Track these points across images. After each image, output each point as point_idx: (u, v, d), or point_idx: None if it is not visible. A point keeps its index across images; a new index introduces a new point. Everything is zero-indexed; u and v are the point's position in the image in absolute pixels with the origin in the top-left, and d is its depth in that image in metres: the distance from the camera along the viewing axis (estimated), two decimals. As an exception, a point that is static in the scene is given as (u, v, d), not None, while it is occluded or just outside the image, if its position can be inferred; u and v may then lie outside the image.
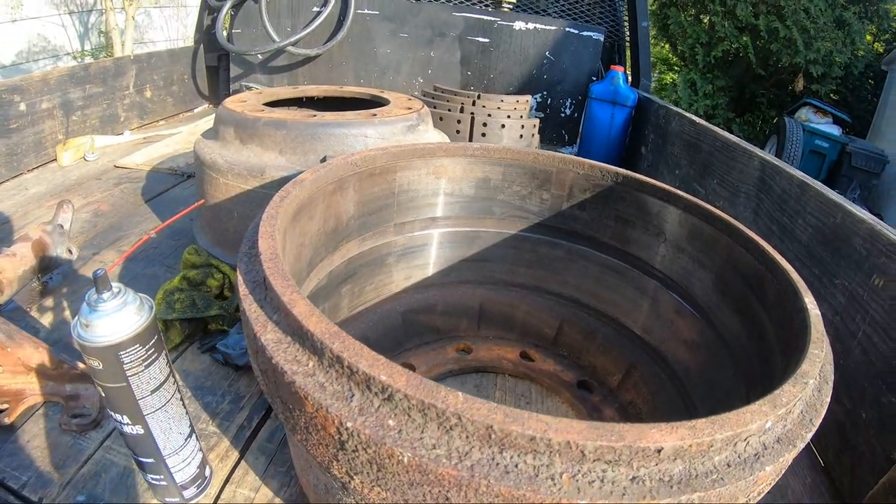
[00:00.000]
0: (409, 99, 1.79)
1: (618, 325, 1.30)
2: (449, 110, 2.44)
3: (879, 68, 12.02)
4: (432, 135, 1.65)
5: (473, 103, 2.46)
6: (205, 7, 3.76)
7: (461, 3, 3.59)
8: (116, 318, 0.72)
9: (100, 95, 2.82)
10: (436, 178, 1.30)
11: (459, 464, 0.49)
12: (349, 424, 0.52)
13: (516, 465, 0.49)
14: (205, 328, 1.30)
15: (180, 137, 2.88)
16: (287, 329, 0.62)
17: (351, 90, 1.97)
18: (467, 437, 0.50)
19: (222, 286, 1.35)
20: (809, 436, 0.60)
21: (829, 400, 0.65)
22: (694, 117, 2.33)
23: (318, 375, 0.57)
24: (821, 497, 1.09)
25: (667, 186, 1.19)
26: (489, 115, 2.39)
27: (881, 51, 12.17)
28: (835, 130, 9.96)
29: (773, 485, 0.60)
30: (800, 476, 1.14)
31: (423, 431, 0.51)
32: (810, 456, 1.19)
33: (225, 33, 3.34)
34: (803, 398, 0.62)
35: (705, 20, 11.11)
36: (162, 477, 0.86)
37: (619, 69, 3.11)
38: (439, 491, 0.51)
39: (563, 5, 3.71)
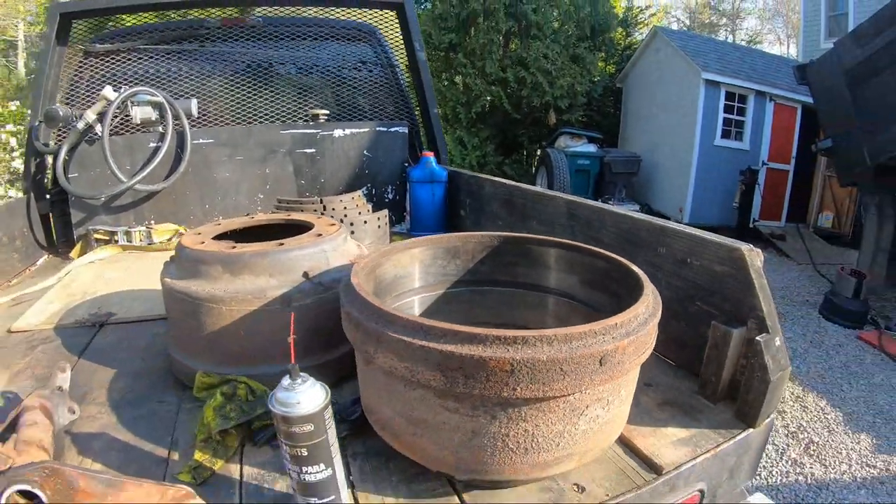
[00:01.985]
0: (319, 217, 2.20)
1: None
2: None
3: (615, 87, 14.28)
4: (350, 242, 2.10)
5: (324, 208, 2.98)
6: (31, 153, 3.77)
7: (286, 121, 4.09)
8: (313, 392, 1.15)
9: None
10: (410, 262, 1.91)
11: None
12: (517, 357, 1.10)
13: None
14: (248, 430, 1.58)
15: (57, 292, 2.84)
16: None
17: (266, 217, 2.33)
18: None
19: (247, 393, 1.64)
20: (656, 319, 1.31)
21: (661, 306, 1.38)
22: (504, 180, 3.09)
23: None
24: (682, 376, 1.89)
25: (536, 236, 1.92)
26: (345, 216, 2.90)
27: (613, 72, 14.40)
28: (591, 148, 11.78)
29: (650, 348, 1.30)
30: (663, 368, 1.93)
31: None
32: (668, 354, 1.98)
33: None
34: (648, 301, 1.33)
35: (458, 81, 12.44)
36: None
37: (429, 154, 3.84)
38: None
39: (367, 112, 4.36)
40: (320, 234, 1.94)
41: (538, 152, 13.45)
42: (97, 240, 3.60)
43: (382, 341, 1.23)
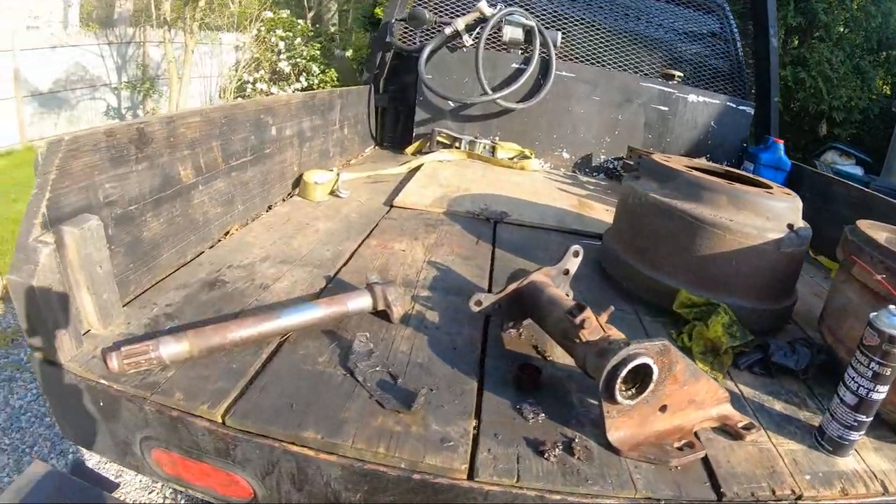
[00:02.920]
0: (778, 187, 2.12)
1: None
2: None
3: (890, 110, 12.85)
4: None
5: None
6: (378, 49, 4.06)
7: (638, 72, 4.09)
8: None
9: (319, 128, 2.91)
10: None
11: None
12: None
13: None
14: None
15: (422, 180, 3.05)
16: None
17: (705, 164, 2.34)
18: None
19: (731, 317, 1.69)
20: None
21: None
22: (855, 184, 2.89)
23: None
24: None
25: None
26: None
27: (888, 93, 12.95)
28: (858, 171, 10.72)
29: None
30: None
31: None
32: None
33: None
34: None
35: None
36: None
37: (780, 141, 3.70)
38: None
39: (708, 83, 4.26)
40: (789, 194, 1.95)
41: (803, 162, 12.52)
42: (439, 142, 3.84)
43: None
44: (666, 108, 3.87)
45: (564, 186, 3.41)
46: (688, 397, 1.30)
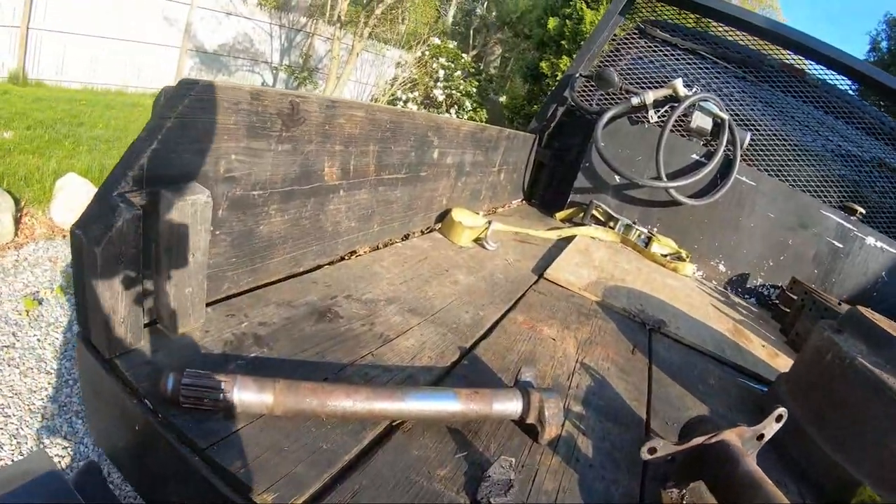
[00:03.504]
0: None
1: None
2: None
3: None
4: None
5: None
6: (553, 101, 3.81)
7: (816, 196, 3.63)
8: None
9: (479, 166, 2.68)
10: None
11: None
12: None
13: None
14: None
15: (577, 256, 2.74)
16: None
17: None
18: None
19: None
20: None
21: None
22: None
23: None
24: None
25: None
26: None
27: None
28: None
29: None
30: None
31: None
32: None
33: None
34: None
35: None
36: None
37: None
38: None
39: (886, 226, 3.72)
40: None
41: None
42: (594, 216, 3.51)
43: None
44: (841, 245, 3.37)
45: (717, 304, 2.97)
46: None
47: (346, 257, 1.69)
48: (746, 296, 3.49)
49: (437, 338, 1.46)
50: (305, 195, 1.44)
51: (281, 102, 1.25)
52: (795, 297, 3.04)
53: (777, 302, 3.33)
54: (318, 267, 1.56)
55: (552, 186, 3.82)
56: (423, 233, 2.20)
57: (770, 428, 1.28)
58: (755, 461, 1.27)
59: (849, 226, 3.39)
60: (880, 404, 1.45)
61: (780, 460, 1.59)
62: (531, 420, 1.20)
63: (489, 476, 1.02)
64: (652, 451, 1.13)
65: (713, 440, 1.19)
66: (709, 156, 3.36)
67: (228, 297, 1.30)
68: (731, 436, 1.21)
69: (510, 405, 1.19)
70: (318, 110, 1.37)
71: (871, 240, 3.39)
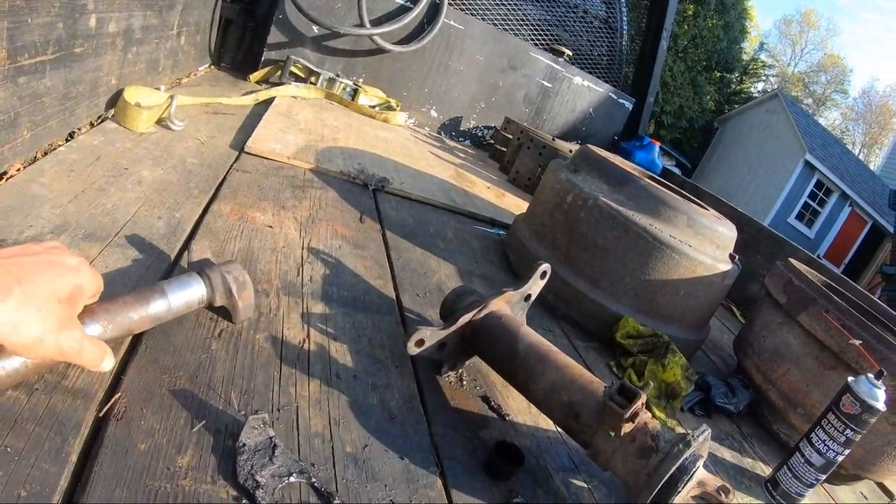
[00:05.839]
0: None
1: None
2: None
3: (712, 124, 14.14)
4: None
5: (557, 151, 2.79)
6: None
7: (532, 42, 3.72)
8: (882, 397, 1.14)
9: (153, 30, 2.13)
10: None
11: None
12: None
13: None
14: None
15: (279, 120, 2.38)
16: None
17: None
18: None
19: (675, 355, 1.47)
20: None
21: None
22: (725, 199, 2.88)
23: None
24: None
25: None
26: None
27: (712, 108, 14.28)
28: (676, 171, 11.61)
29: None
30: None
31: None
32: None
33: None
34: None
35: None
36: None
37: (657, 143, 3.57)
38: None
39: (587, 67, 4.03)
40: (725, 219, 1.74)
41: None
42: (292, 73, 3.17)
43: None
44: (550, 85, 3.57)
45: (435, 150, 2.97)
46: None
47: (-6, 186, 1.25)
48: (461, 139, 3.55)
49: (126, 264, 1.10)
50: None
51: None
52: (511, 136, 3.17)
53: (492, 142, 3.46)
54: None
55: (243, 46, 3.34)
56: (92, 125, 1.71)
57: (536, 286, 1.23)
58: (523, 318, 1.23)
59: (557, 67, 3.57)
60: (630, 241, 1.52)
61: (536, 306, 1.57)
62: (220, 302, 0.97)
63: (244, 444, 0.76)
64: (420, 343, 1.00)
65: (482, 313, 1.09)
66: (414, 0, 3.23)
67: None
68: (499, 304, 1.13)
69: (192, 292, 0.94)
70: None
71: (578, 79, 3.63)
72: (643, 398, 0.87)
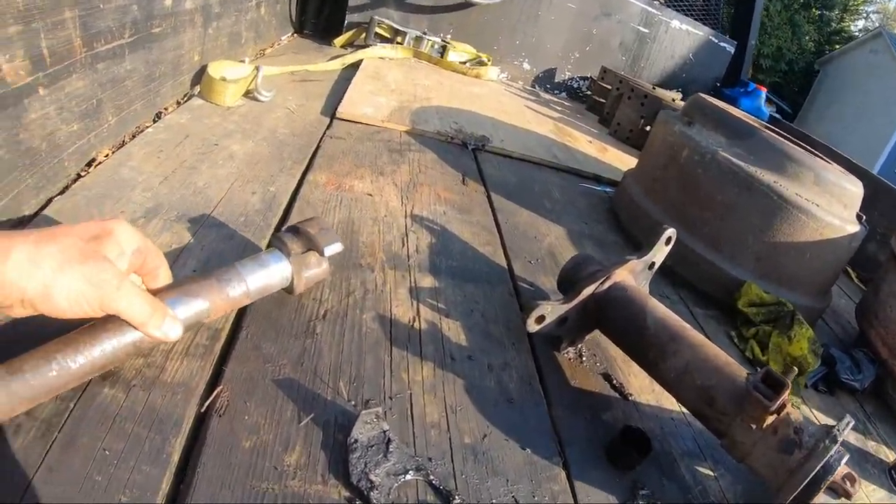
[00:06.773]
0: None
1: None
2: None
3: (812, 66, 13.19)
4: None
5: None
6: None
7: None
8: None
9: (231, 3, 2.08)
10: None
11: None
12: None
13: None
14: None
15: (370, 84, 2.33)
16: None
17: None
18: None
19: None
20: None
21: None
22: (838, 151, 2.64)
23: None
24: None
25: None
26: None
27: (814, 50, 13.33)
28: (778, 118, 11.01)
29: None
30: None
31: None
32: None
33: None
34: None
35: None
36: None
37: (763, 89, 3.33)
38: None
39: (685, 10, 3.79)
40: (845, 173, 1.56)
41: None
42: (377, 34, 3.09)
43: None
44: (646, 31, 3.37)
45: (531, 105, 2.86)
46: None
47: (83, 172, 1.18)
48: (557, 91, 3.41)
49: (222, 245, 1.06)
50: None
51: None
52: (609, 87, 3.02)
53: (590, 93, 3.32)
54: (47, 203, 1.06)
55: (324, 11, 3.26)
56: (179, 104, 1.68)
57: (661, 253, 1.13)
58: (646, 288, 1.14)
59: (653, 10, 3.37)
60: (753, 200, 1.40)
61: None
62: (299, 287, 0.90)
63: (356, 441, 0.71)
64: (540, 319, 0.92)
65: (605, 285, 1.01)
66: (499, -53, 3.09)
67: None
68: (623, 274, 1.04)
69: (276, 271, 0.84)
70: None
71: (675, 23, 3.42)
72: (790, 387, 0.79)
